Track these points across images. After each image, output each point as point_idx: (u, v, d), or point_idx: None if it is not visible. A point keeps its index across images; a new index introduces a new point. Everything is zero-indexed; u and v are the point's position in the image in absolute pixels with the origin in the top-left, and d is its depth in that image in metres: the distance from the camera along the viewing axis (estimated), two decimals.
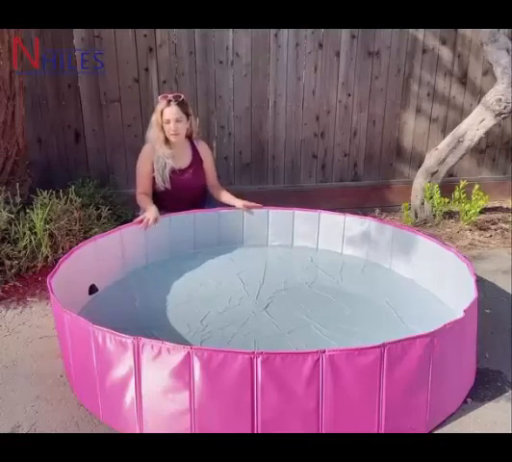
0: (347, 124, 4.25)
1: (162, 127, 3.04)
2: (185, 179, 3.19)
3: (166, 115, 3.01)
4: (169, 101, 3.01)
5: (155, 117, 3.06)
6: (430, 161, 4.08)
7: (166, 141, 3.08)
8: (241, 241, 3.26)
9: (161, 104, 3.02)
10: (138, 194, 3.17)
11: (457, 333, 1.92)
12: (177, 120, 3.02)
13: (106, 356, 1.83)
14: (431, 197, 4.01)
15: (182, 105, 3.04)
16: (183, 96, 3.06)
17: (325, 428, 1.75)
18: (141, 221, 2.90)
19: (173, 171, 3.15)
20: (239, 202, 3.20)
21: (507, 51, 3.73)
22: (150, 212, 2.97)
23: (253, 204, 3.22)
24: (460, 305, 2.04)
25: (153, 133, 3.09)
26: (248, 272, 2.91)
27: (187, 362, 1.71)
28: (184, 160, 3.22)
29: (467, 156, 4.19)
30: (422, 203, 4.11)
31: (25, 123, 3.41)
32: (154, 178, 3.15)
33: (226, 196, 3.27)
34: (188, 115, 3.09)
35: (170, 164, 3.12)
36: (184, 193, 3.21)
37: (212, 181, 3.35)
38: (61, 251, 2.98)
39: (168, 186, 3.14)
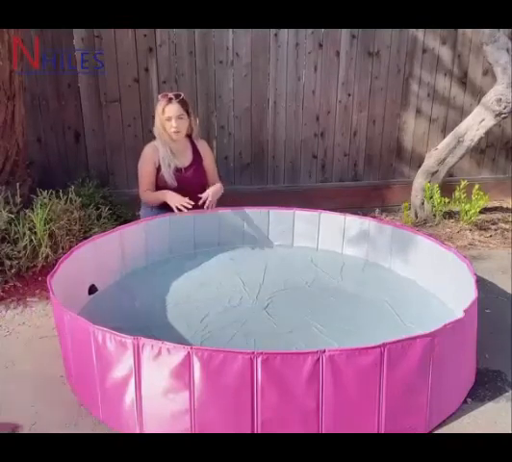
0: (347, 124, 4.25)
1: (163, 126, 3.05)
2: (186, 177, 3.20)
3: (168, 112, 3.02)
4: (171, 99, 3.02)
5: (157, 117, 3.07)
6: (430, 161, 4.08)
7: (169, 139, 3.09)
8: (241, 241, 3.25)
9: (162, 102, 3.04)
10: (142, 192, 3.18)
11: (457, 333, 1.92)
12: (179, 117, 3.04)
13: (106, 356, 1.83)
14: (431, 197, 4.01)
15: (183, 103, 3.06)
16: (183, 95, 3.08)
17: (325, 428, 1.75)
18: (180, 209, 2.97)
19: (175, 170, 3.16)
20: (205, 193, 3.12)
21: (507, 51, 3.73)
22: (172, 196, 3.02)
23: (208, 201, 3.10)
24: (460, 305, 2.05)
25: (156, 132, 3.11)
26: (248, 272, 2.90)
27: (187, 362, 1.71)
28: (185, 158, 3.23)
29: (467, 156, 4.19)
30: (423, 203, 4.11)
31: (25, 123, 3.41)
32: (155, 179, 3.16)
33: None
34: (188, 114, 3.10)
35: (174, 162, 3.13)
36: (185, 192, 3.21)
37: (212, 179, 3.37)
38: (61, 251, 2.97)
39: (175, 183, 3.15)
